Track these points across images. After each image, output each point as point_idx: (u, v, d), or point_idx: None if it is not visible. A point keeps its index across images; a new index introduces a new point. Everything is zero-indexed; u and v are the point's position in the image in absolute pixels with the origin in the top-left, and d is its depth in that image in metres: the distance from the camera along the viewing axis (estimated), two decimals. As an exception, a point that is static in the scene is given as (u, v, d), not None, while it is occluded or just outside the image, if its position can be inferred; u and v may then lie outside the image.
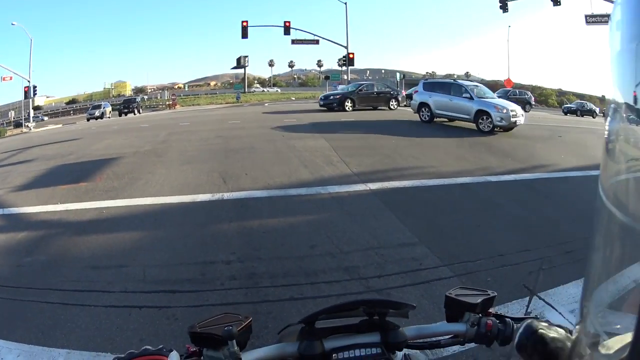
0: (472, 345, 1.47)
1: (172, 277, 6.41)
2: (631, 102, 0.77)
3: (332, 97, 37.36)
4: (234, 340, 1.32)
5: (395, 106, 37.87)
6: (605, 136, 0.86)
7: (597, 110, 52.61)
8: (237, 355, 1.33)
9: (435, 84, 24.63)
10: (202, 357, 1.35)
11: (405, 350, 1.51)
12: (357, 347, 1.39)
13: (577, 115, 49.98)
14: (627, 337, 0.74)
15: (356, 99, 36.23)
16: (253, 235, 7.73)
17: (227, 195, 10.28)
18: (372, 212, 8.42)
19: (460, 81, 24.73)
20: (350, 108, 35.01)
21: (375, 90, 38.92)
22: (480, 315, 1.47)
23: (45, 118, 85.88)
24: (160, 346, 1.26)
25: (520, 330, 0.94)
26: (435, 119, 23.46)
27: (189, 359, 1.34)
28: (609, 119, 0.85)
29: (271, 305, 5.45)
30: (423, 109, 23.81)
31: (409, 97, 38.18)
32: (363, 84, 40.18)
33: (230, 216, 8.85)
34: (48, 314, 5.67)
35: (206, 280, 6.25)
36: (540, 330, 0.95)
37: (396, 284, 5.80)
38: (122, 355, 1.22)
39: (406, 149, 14.86)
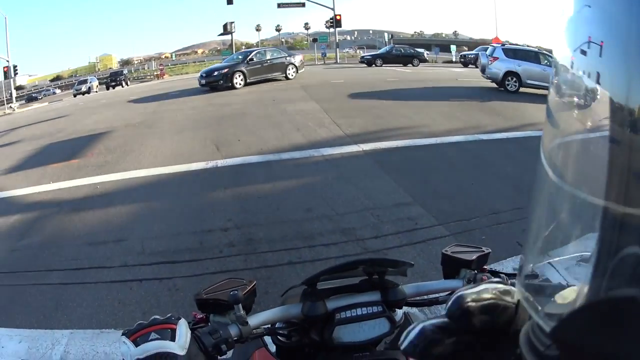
0: None
1: (171, 248, 6.45)
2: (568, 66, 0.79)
3: (215, 72, 29.43)
4: (240, 305, 1.36)
5: (293, 74, 30.90)
6: (548, 98, 0.87)
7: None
8: (244, 319, 1.36)
9: (518, 51, 23.11)
10: (209, 323, 1.38)
11: (405, 309, 1.57)
12: (358, 306, 1.43)
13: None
14: (572, 292, 0.79)
15: (247, 71, 29.04)
16: (249, 201, 7.77)
17: (221, 163, 10.30)
18: (366, 173, 8.46)
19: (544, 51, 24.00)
20: (242, 84, 28.17)
21: (268, 57, 31.08)
22: (475, 271, 1.53)
23: (58, 90, 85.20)
24: (169, 315, 1.27)
25: (449, 303, 0.94)
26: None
27: (196, 326, 1.35)
28: (551, 80, 0.86)
29: (270, 270, 5.51)
30: (509, 79, 21.77)
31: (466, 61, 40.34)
32: (252, 51, 32.81)
33: (225, 183, 8.88)
34: (49, 296, 5.70)
35: (205, 248, 6.29)
36: (470, 303, 0.94)
37: (393, 244, 5.86)
38: (132, 327, 1.23)
39: (397, 108, 14.82)
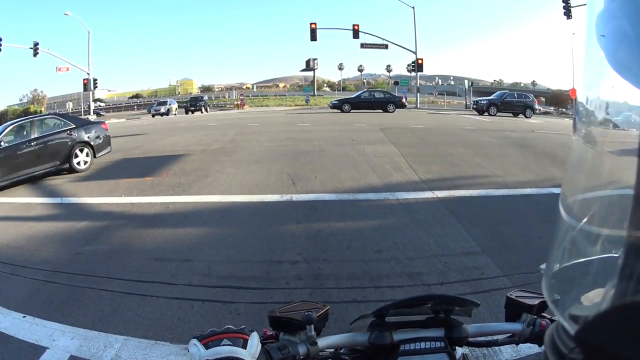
0: (529, 352, 1.55)
1: (237, 274, 6.51)
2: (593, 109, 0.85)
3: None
4: (312, 326, 1.43)
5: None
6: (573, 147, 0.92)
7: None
8: (313, 339, 1.43)
9: None
10: (278, 341, 1.45)
11: (465, 348, 1.59)
12: (422, 340, 1.48)
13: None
14: (597, 294, 0.82)
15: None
16: (320, 237, 7.78)
17: (295, 197, 10.36)
18: (437, 220, 8.40)
19: None
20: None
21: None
22: (536, 316, 1.56)
23: (104, 113, 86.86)
24: (242, 326, 1.33)
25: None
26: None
27: (266, 341, 1.43)
28: (574, 128, 0.91)
29: (334, 306, 5.44)
30: None
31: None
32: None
33: (298, 217, 8.90)
34: (107, 301, 5.87)
35: (271, 278, 6.32)
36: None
37: (457, 291, 5.76)
38: (204, 333, 1.31)
39: (472, 157, 14.73)
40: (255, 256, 7.12)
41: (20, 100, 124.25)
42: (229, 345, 1.25)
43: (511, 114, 42.38)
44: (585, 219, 0.86)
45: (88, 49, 65.97)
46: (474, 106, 47.53)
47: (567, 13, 47.56)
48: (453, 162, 13.96)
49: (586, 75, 0.86)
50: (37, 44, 56.48)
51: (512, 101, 43.65)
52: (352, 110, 44.45)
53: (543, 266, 0.96)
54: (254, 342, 1.28)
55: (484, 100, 46.84)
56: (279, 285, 6.11)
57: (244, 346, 1.25)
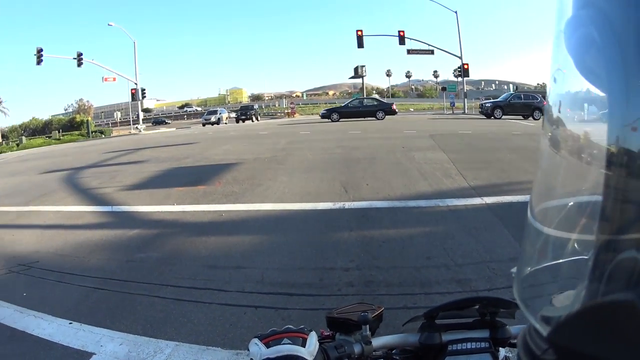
0: None
1: (290, 281, 6.60)
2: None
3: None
4: (367, 326, 1.51)
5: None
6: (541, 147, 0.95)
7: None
8: (368, 339, 1.50)
9: None
10: (334, 340, 1.53)
11: (507, 349, 1.63)
12: (468, 341, 1.54)
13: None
14: (568, 296, 0.84)
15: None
16: (372, 244, 7.84)
17: (348, 205, 10.43)
18: (486, 226, 8.44)
19: None
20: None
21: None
22: None
23: (169, 121, 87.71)
24: (302, 326, 1.40)
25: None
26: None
27: (323, 341, 1.50)
28: (543, 132, 0.93)
29: (385, 312, 5.53)
30: None
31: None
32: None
33: (350, 225, 8.98)
34: (159, 308, 5.99)
35: (324, 285, 6.41)
36: None
37: (504, 297, 5.79)
38: (265, 332, 1.37)
39: (520, 162, 14.73)
40: (308, 263, 7.23)
41: (65, 110, 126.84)
42: (289, 344, 1.31)
43: (521, 117, 42.02)
44: (554, 223, 0.89)
45: (134, 59, 66.99)
46: (480, 109, 47.23)
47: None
48: (501, 167, 13.96)
49: (554, 80, 0.88)
50: (81, 54, 57.52)
51: (518, 103, 43.29)
52: (341, 119, 44.98)
53: (514, 270, 1.01)
54: (313, 341, 1.35)
55: (488, 102, 46.75)
56: (331, 291, 6.19)
57: (303, 345, 1.32)
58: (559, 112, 0.86)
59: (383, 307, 1.66)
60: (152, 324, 5.55)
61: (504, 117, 42.04)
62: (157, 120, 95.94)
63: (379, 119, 44.45)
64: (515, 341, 1.58)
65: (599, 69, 0.78)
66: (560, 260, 0.88)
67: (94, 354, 4.96)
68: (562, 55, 0.85)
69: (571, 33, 0.84)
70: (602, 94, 0.78)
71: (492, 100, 50.36)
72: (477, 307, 1.60)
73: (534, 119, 40.85)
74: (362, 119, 44.92)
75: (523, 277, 0.96)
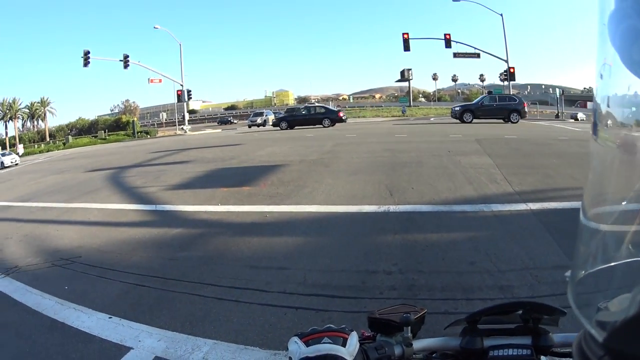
0: None
1: (332, 283, 6.62)
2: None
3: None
4: (409, 327, 1.50)
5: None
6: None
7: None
8: (409, 341, 1.50)
9: None
10: (375, 341, 1.52)
11: (549, 357, 1.56)
12: (510, 347, 1.50)
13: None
14: (625, 300, 0.83)
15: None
16: (416, 248, 7.83)
17: (392, 208, 10.42)
18: (530, 233, 8.34)
19: None
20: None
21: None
22: None
23: (235, 121, 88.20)
24: (343, 325, 1.40)
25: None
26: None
27: (364, 342, 1.49)
28: (594, 131, 0.92)
29: (426, 317, 5.44)
30: None
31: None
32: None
33: (394, 228, 8.97)
34: (199, 306, 6.09)
35: (366, 288, 6.41)
36: None
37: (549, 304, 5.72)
38: (305, 331, 1.37)
39: (565, 168, 14.58)
40: (351, 266, 7.24)
41: (111, 110, 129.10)
42: (329, 343, 1.31)
43: (500, 119, 41.37)
44: (608, 224, 0.89)
45: (180, 61, 67.83)
46: (451, 113, 46.61)
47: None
48: (546, 173, 13.79)
49: (600, 77, 0.86)
50: (127, 56, 58.63)
51: (491, 106, 42.46)
52: (288, 128, 45.79)
53: (568, 273, 0.99)
54: (353, 341, 1.34)
55: (458, 107, 46.18)
56: (373, 295, 6.17)
57: (344, 345, 1.31)
58: (608, 109, 0.86)
59: (426, 309, 1.66)
60: (191, 322, 5.67)
61: (475, 120, 41.39)
62: (222, 119, 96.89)
63: (325, 127, 45.12)
64: (558, 350, 1.56)
65: None
66: (615, 263, 0.87)
67: (132, 348, 5.10)
68: (607, 50, 0.83)
69: (615, 26, 0.82)
70: None
71: (462, 104, 50.10)
72: (520, 312, 1.58)
73: (512, 122, 40.58)
74: (311, 126, 45.68)
75: (577, 281, 0.96)
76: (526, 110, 43.08)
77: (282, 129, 45.61)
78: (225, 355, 4.85)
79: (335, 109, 51.95)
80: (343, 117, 48.57)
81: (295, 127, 46.25)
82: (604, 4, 0.83)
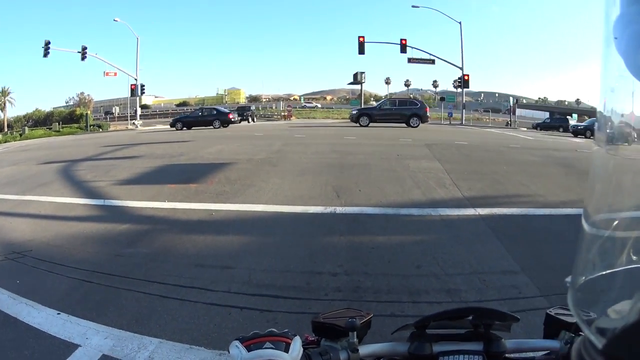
0: None
1: (277, 283, 6.54)
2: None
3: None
4: (355, 332, 1.45)
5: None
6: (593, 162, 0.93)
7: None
8: (355, 346, 1.44)
9: None
10: (319, 346, 1.47)
11: None
12: (461, 353, 1.47)
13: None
14: (625, 306, 0.82)
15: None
16: (362, 250, 7.79)
17: (339, 209, 10.37)
18: (478, 237, 8.39)
19: None
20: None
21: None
22: (574, 334, 1.55)
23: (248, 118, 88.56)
24: (285, 330, 1.33)
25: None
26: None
27: (308, 347, 1.44)
28: (595, 137, 0.91)
29: (372, 320, 5.43)
30: None
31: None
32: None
33: (341, 230, 8.92)
34: (144, 304, 5.97)
35: (311, 289, 6.35)
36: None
37: (500, 309, 5.72)
38: (247, 335, 1.31)
39: (515, 175, 14.69)
40: (296, 266, 7.17)
41: (67, 102, 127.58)
42: (271, 348, 1.26)
43: (400, 123, 41.84)
44: (609, 231, 0.87)
45: (136, 55, 67.38)
46: (350, 117, 47.22)
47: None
48: (496, 179, 13.93)
49: (604, 83, 0.85)
50: (86, 48, 58.21)
51: (391, 109, 43.11)
52: (183, 128, 47.26)
53: (569, 279, 0.99)
54: (297, 346, 1.29)
55: (355, 110, 47.12)
56: (318, 296, 6.13)
57: (286, 350, 1.26)
58: (612, 117, 0.85)
59: (372, 314, 1.59)
60: (137, 320, 5.53)
61: (373, 125, 41.82)
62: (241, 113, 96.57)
63: (215, 128, 46.14)
64: (510, 355, 1.54)
65: None
66: (616, 270, 0.87)
67: (80, 345, 4.97)
68: (612, 57, 0.81)
69: (621, 32, 0.80)
70: None
71: (359, 108, 51.85)
72: (470, 318, 1.53)
73: (412, 126, 40.88)
74: (204, 127, 47.04)
75: (577, 287, 0.95)
76: (428, 114, 43.80)
77: (177, 130, 46.52)
78: (170, 354, 4.79)
79: (225, 111, 53.09)
80: (232, 119, 49.78)
81: (192, 128, 47.35)
82: (609, 9, 0.83)
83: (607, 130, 0.85)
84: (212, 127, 46.56)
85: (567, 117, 65.40)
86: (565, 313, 1.61)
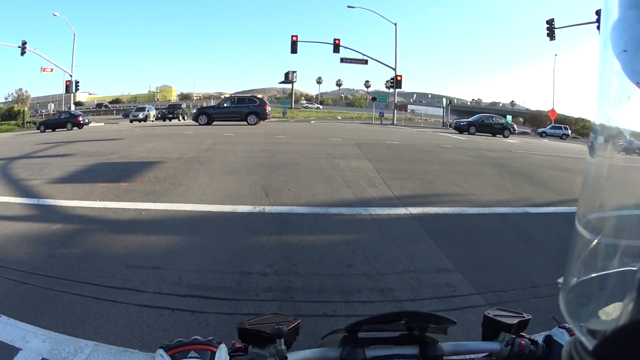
0: None
1: (208, 284, 6.46)
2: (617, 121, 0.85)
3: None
4: (282, 339, 1.38)
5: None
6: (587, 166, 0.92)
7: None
8: (283, 354, 1.38)
9: None
10: (247, 354, 1.41)
11: None
12: (396, 358, 1.44)
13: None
14: (616, 308, 0.81)
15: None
16: (292, 250, 7.76)
17: (268, 209, 10.32)
18: (410, 236, 8.42)
19: None
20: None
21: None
22: (514, 335, 1.52)
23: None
24: (210, 337, 1.32)
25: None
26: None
27: (234, 354, 1.39)
28: (590, 141, 0.91)
29: (304, 320, 5.37)
30: None
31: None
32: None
33: (270, 229, 8.88)
34: (79, 306, 5.79)
35: (241, 289, 6.28)
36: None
37: (429, 308, 5.73)
38: (171, 343, 1.28)
39: (447, 175, 14.84)
40: (225, 266, 7.09)
41: (5, 98, 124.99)
42: (195, 357, 1.23)
43: (239, 121, 43.18)
44: (602, 233, 0.87)
45: (72, 51, 66.33)
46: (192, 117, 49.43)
47: (551, 34, 48.06)
48: (428, 179, 14.08)
49: (601, 87, 0.85)
50: (25, 43, 57.09)
51: (229, 107, 44.74)
52: (46, 130, 47.64)
53: (560, 280, 0.96)
54: (222, 354, 1.27)
55: (194, 110, 50.91)
56: (249, 296, 6.07)
57: (211, 359, 1.24)
58: (608, 119, 0.85)
59: (299, 320, 1.52)
60: (72, 322, 5.40)
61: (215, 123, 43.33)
62: (127, 112, 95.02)
63: (68, 130, 46.57)
64: (448, 358, 1.52)
65: None
66: (608, 272, 0.85)
67: (21, 349, 4.87)
68: (609, 61, 0.81)
69: (619, 36, 0.81)
70: None
71: (200, 107, 54.92)
72: (404, 321, 1.50)
73: (249, 124, 42.16)
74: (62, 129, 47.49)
75: (569, 288, 0.93)
76: (267, 112, 45.33)
77: (41, 131, 46.33)
78: (106, 357, 4.69)
79: (75, 113, 53.24)
80: (82, 122, 50.30)
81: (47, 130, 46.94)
82: (607, 13, 0.84)
83: (603, 134, 0.86)
84: (65, 129, 47.21)
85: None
86: (504, 314, 1.59)
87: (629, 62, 0.79)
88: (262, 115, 43.18)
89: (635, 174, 0.88)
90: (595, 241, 0.88)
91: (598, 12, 47.31)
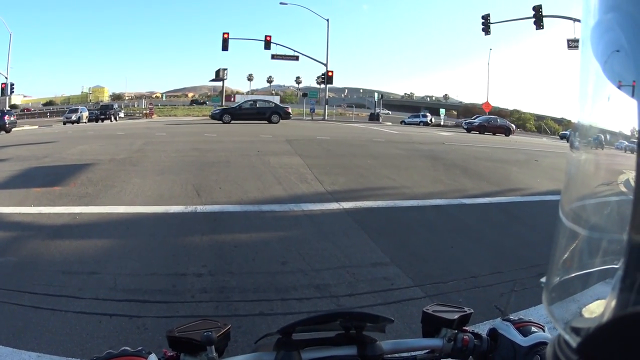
0: None
1: (143, 287, 6.37)
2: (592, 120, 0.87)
3: None
4: (213, 347, 1.33)
5: None
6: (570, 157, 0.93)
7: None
8: None
9: None
10: None
11: None
12: (333, 359, 1.40)
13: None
14: (599, 306, 0.82)
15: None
16: (225, 249, 7.73)
17: (200, 208, 10.27)
18: (344, 231, 8.48)
19: None
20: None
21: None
22: (456, 331, 1.51)
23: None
24: (139, 348, 1.28)
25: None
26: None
27: None
28: (571, 138, 0.92)
29: (241, 319, 5.42)
30: None
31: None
32: None
33: (202, 229, 8.84)
34: (19, 316, 5.64)
35: (177, 291, 6.23)
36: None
37: (368, 302, 5.82)
38: (101, 355, 1.25)
39: (380, 168, 14.92)
40: (160, 269, 7.02)
41: None
42: None
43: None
44: (584, 231, 0.88)
45: (8, 52, 64.82)
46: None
47: (486, 29, 48.93)
48: (360, 173, 14.19)
49: (582, 87, 0.86)
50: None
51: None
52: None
53: (543, 279, 0.97)
54: None
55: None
56: (185, 298, 6.03)
57: None
58: (589, 115, 0.88)
59: (230, 325, 1.45)
60: (14, 334, 5.27)
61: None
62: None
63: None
64: (389, 357, 1.50)
65: (628, 74, 0.78)
66: (590, 270, 0.87)
67: None
68: (589, 62, 0.84)
69: (598, 39, 0.84)
70: (631, 99, 0.77)
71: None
72: (338, 321, 1.45)
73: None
74: None
75: (552, 286, 0.93)
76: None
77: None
78: None
79: (9, 112, 51.52)
80: (6, 123, 48.38)
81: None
82: (587, 16, 0.86)
83: (582, 131, 0.88)
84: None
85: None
86: (444, 310, 1.57)
87: (608, 64, 0.81)
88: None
89: (613, 169, 0.85)
90: (578, 239, 0.89)
91: (535, 8, 48.80)
